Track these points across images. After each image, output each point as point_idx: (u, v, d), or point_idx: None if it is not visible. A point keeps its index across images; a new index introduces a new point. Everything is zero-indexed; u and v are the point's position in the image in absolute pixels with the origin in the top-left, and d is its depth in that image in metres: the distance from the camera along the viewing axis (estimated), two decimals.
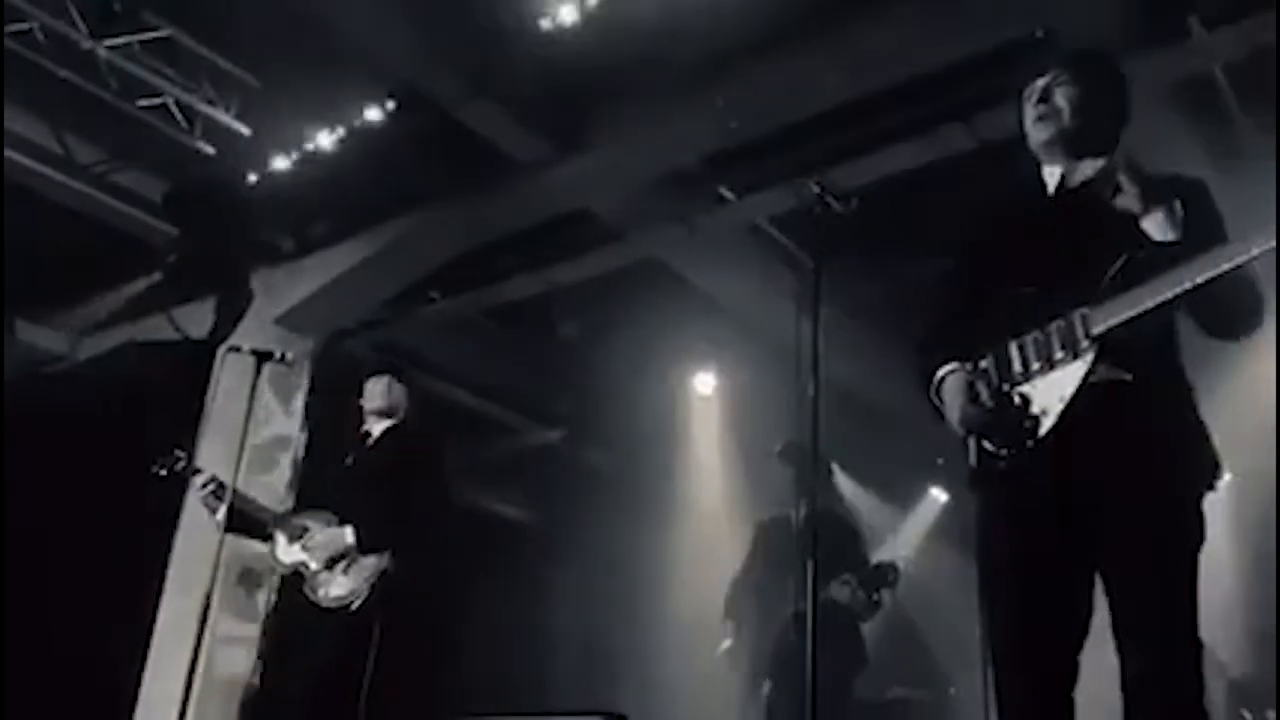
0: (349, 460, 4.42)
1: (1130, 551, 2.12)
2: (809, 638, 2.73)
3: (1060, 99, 2.36)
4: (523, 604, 7.78)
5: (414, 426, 4.51)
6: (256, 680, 4.48)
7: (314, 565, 4.09)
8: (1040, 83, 2.39)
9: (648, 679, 7.16)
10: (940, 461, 7.76)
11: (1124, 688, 2.07)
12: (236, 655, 5.49)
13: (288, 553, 4.18)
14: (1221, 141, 4.98)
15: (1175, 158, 4.96)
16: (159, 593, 5.59)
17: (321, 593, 4.04)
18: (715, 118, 4.86)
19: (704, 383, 7.94)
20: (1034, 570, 2.20)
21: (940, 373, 2.34)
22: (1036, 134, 2.38)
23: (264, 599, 5.68)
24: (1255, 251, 2.02)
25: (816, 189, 2.99)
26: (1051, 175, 2.40)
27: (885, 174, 5.00)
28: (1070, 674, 2.17)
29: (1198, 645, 2.07)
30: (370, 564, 4.05)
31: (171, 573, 5.60)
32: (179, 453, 4.25)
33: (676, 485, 8.49)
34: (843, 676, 4.97)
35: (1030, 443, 2.18)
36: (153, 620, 5.53)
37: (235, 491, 4.15)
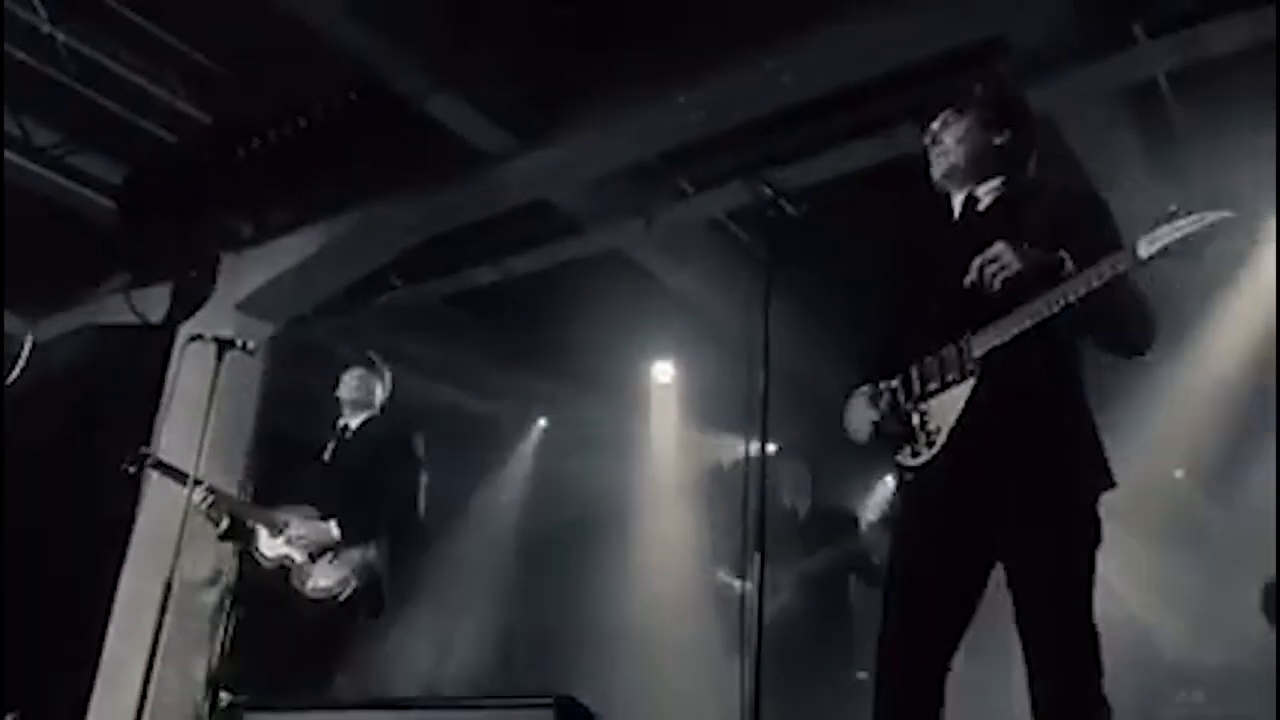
0: (327, 454, 4.47)
1: (1028, 557, 2.28)
2: (756, 627, 2.83)
3: (949, 138, 2.56)
4: (480, 588, 7.85)
5: (390, 418, 4.57)
6: (227, 664, 4.53)
7: (299, 559, 4.15)
8: (934, 125, 2.59)
9: (604, 665, 7.27)
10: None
11: (1030, 680, 2.22)
12: (199, 638, 5.52)
13: (271, 546, 4.24)
14: (1163, 149, 5.15)
15: (1117, 163, 5.13)
16: (117, 575, 5.60)
17: (309, 585, 4.13)
18: (676, 114, 4.93)
19: (663, 371, 8.06)
20: (925, 572, 2.40)
21: (851, 395, 2.57)
22: (934, 172, 2.61)
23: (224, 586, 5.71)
24: (1121, 268, 2.15)
25: (770, 191, 3.09)
26: (955, 202, 2.61)
27: (841, 173, 5.11)
28: (944, 670, 2.36)
29: (1095, 638, 2.22)
30: (355, 556, 4.15)
31: (131, 555, 5.61)
32: (144, 449, 4.29)
33: (635, 470, 8.60)
34: (827, 655, 5.08)
35: (928, 457, 2.38)
36: (110, 605, 5.54)
37: (214, 490, 4.23)
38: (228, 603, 4.85)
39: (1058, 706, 2.17)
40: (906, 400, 2.45)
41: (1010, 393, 2.29)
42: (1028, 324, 2.25)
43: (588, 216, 5.98)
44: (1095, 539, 2.30)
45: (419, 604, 6.77)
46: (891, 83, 4.74)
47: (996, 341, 2.29)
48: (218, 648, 4.63)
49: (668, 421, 8.25)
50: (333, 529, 4.19)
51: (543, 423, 8.83)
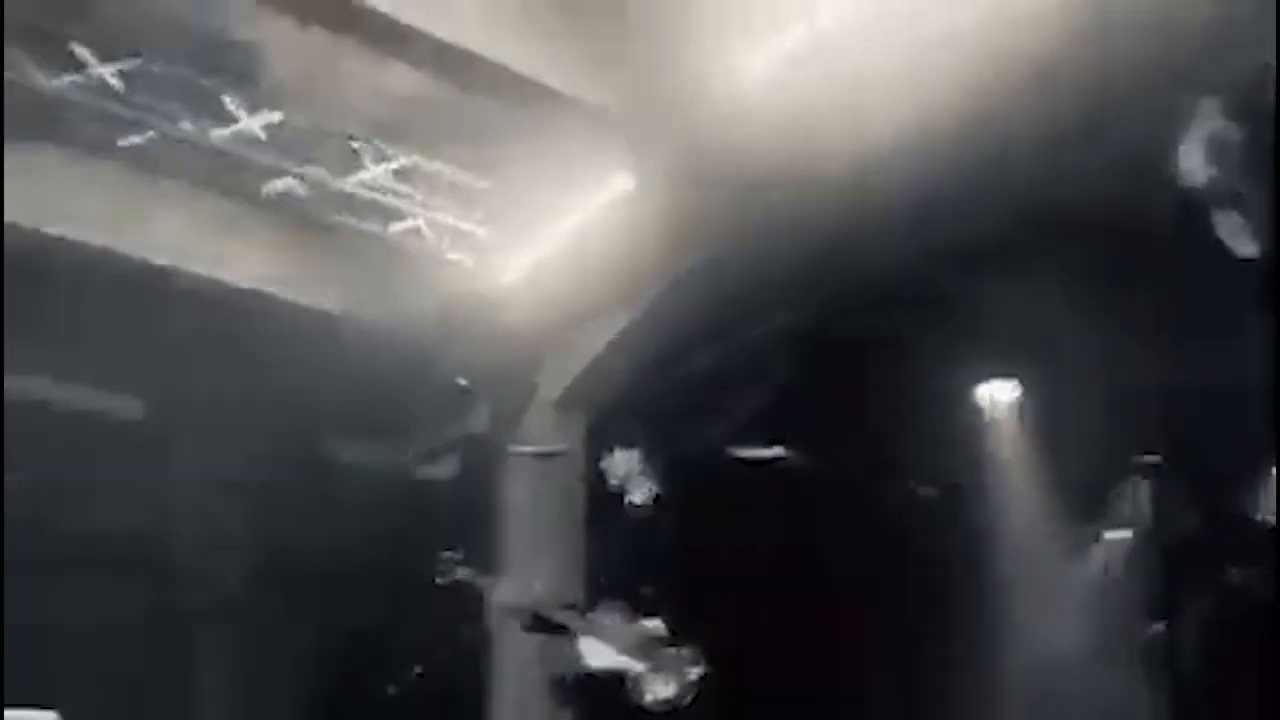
0: (616, 534, 4.14)
1: None
2: None
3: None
4: None
5: (672, 495, 4.18)
6: None
7: (638, 668, 3.76)
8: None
9: None
10: None
11: None
12: None
13: (600, 656, 3.80)
14: None
15: None
16: None
17: (649, 697, 3.75)
18: None
19: None
20: None
21: None
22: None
23: None
24: None
25: None
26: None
27: None
28: None
29: None
30: (686, 655, 3.78)
31: None
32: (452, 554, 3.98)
33: None
34: None
35: None
36: None
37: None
38: None
39: None
40: None
41: None
42: None
43: None
44: None
45: None
46: None
47: None
48: None
49: None
50: (662, 630, 3.78)
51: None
